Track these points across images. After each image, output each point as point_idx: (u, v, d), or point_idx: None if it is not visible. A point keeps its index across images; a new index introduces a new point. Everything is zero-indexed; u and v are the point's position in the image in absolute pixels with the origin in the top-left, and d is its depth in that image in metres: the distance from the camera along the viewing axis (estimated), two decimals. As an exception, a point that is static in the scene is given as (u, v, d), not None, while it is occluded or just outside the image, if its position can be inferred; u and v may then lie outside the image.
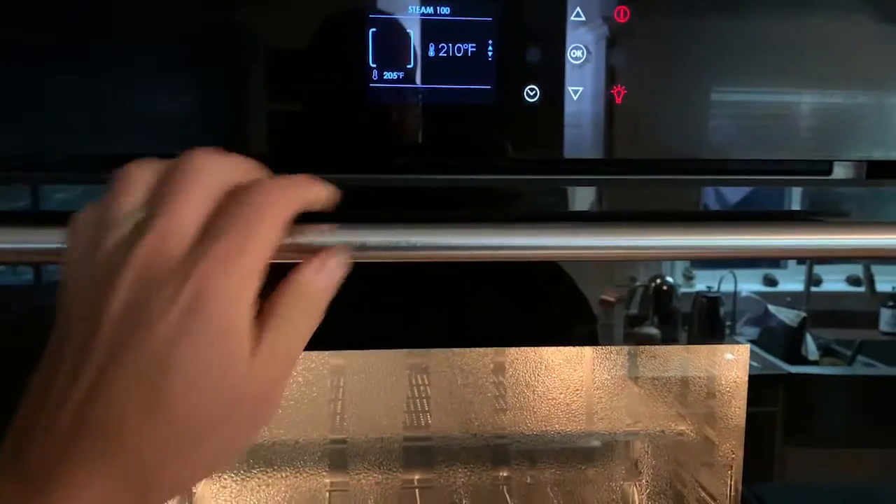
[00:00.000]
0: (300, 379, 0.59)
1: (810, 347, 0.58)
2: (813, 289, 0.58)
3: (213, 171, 0.32)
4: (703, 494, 0.64)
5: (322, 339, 0.51)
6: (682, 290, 0.56)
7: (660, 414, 0.64)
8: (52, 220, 0.42)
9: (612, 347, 0.61)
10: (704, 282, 0.57)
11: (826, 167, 0.57)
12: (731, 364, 0.60)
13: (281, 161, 0.49)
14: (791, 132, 0.53)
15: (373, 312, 0.53)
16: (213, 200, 0.32)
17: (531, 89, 0.49)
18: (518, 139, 0.51)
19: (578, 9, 0.49)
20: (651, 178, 0.53)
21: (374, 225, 0.45)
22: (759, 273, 0.60)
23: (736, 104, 0.52)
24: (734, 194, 0.56)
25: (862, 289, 0.59)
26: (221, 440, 0.31)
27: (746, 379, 0.56)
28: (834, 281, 0.59)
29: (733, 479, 0.61)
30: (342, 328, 0.54)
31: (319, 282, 0.33)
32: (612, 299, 0.55)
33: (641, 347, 0.62)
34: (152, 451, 0.29)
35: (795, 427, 0.58)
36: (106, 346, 0.29)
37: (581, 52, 0.49)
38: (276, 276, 0.33)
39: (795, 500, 0.60)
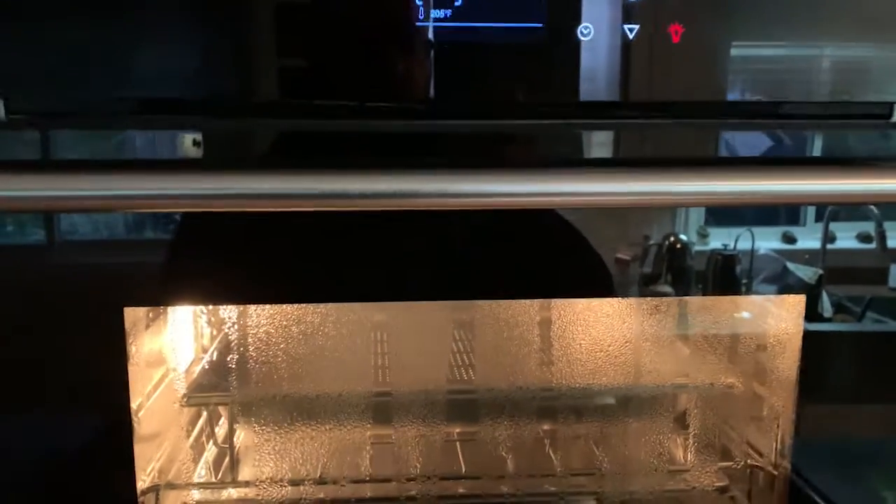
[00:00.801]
0: (344, 331, 0.58)
1: (825, 305, 0.58)
2: (828, 246, 0.57)
3: None
4: (749, 450, 0.63)
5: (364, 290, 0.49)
6: (697, 248, 0.55)
7: (709, 368, 0.63)
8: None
9: (661, 299, 0.59)
10: (719, 240, 0.56)
11: (887, 110, 0.54)
12: (784, 316, 0.58)
13: (326, 103, 0.48)
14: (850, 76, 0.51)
15: (386, 265, 0.52)
16: None
17: (584, 27, 0.47)
18: (571, 80, 0.49)
19: (634, -59, 0.47)
20: (714, 122, 0.51)
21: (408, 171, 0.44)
22: (778, 231, 0.59)
23: (799, 47, 0.50)
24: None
25: (873, 245, 0.58)
26: None
27: (801, 331, 0.55)
28: (845, 238, 0.58)
29: (780, 433, 0.60)
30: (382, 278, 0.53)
31: None
32: (627, 258, 0.54)
33: (691, 299, 0.61)
34: None
35: (815, 385, 0.57)
36: None
37: (635, -11, 0.47)
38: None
39: (812, 456, 0.60)
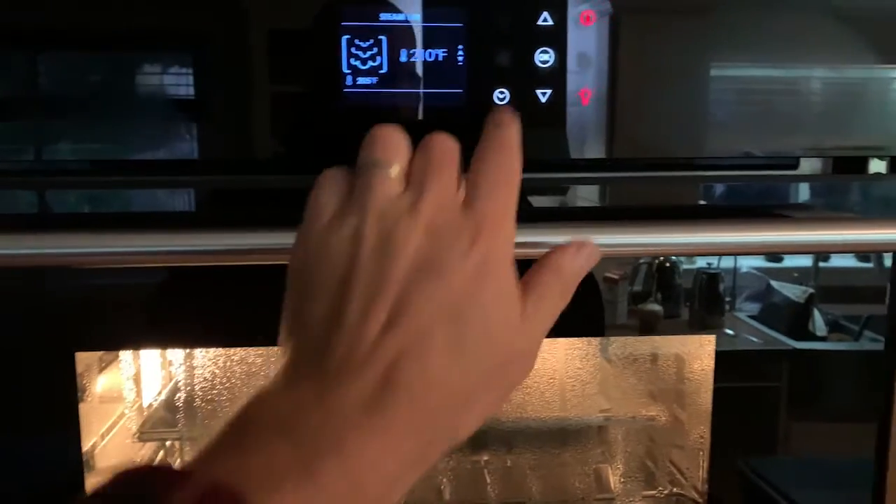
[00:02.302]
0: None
1: (818, 323, 0.59)
2: (822, 264, 0.59)
3: (454, 151, 0.36)
4: (673, 478, 0.67)
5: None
6: (685, 266, 0.58)
7: (632, 400, 0.67)
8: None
9: (586, 339, 0.63)
10: (707, 258, 0.58)
11: (793, 162, 0.59)
12: (699, 352, 0.62)
13: (257, 164, 0.53)
14: (758, 129, 0.55)
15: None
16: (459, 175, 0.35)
17: (500, 92, 0.51)
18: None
19: (546, 14, 0.51)
20: (620, 176, 0.55)
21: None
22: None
23: (701, 103, 0.53)
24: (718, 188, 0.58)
25: (870, 264, 0.59)
26: (492, 395, 0.34)
27: (713, 366, 0.59)
28: (843, 256, 0.59)
29: (705, 460, 0.63)
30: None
31: (575, 265, 0.37)
32: (616, 276, 0.56)
33: (612, 339, 0.65)
34: (442, 398, 0.31)
35: (802, 402, 0.60)
36: (402, 284, 0.31)
37: (548, 56, 0.51)
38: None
39: (798, 475, 0.62)
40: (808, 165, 0.59)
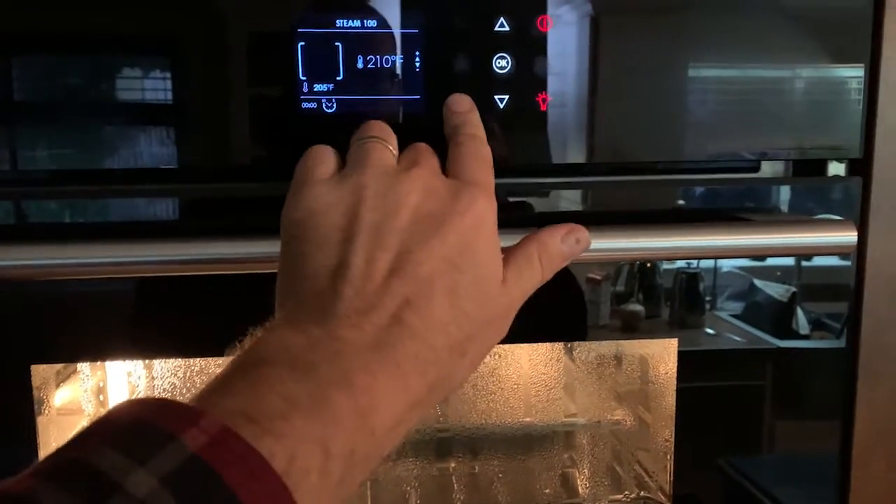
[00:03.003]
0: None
1: (801, 322, 0.59)
2: (804, 263, 0.59)
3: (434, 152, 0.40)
4: (641, 481, 0.67)
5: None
6: (665, 266, 0.58)
7: (597, 404, 0.67)
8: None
9: (551, 345, 0.63)
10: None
11: (754, 165, 0.59)
12: (662, 356, 0.62)
13: (216, 172, 0.52)
14: (717, 133, 0.55)
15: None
16: None
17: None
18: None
19: (503, 19, 0.51)
20: (578, 181, 0.55)
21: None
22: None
23: (662, 107, 0.54)
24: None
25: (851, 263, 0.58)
26: (478, 348, 0.36)
27: (675, 370, 0.59)
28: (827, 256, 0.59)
29: (671, 463, 0.63)
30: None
31: (563, 247, 0.39)
32: (598, 277, 0.57)
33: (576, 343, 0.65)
34: (443, 340, 0.33)
35: (785, 401, 0.60)
36: (404, 234, 0.34)
37: (506, 62, 0.51)
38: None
39: (781, 473, 0.62)
40: (769, 168, 0.59)
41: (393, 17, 0.50)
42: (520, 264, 0.38)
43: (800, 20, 0.53)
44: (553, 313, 0.56)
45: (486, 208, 0.36)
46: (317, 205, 0.35)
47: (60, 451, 0.25)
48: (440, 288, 0.33)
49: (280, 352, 0.30)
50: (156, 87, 0.50)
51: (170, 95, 0.49)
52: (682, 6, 0.52)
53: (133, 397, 0.27)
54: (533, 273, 0.38)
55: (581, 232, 0.40)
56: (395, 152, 0.39)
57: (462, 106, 0.43)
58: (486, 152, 0.40)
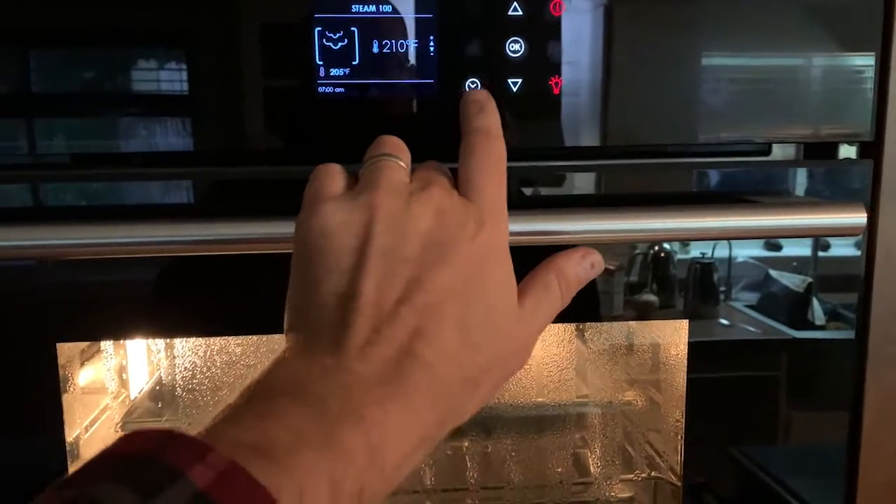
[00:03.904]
0: (265, 360, 0.63)
1: (817, 312, 0.59)
2: (821, 253, 0.59)
3: (446, 169, 0.39)
4: (652, 462, 0.68)
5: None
6: (679, 256, 0.58)
7: (608, 385, 0.68)
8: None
9: (561, 325, 0.64)
10: (701, 248, 0.58)
11: (765, 149, 0.59)
12: (673, 337, 0.63)
13: (234, 156, 0.53)
14: (729, 118, 0.55)
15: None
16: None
17: (472, 82, 0.52)
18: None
19: (515, 3, 0.51)
20: (594, 164, 0.56)
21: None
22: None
23: (673, 92, 0.54)
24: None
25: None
26: (492, 378, 0.35)
27: (686, 351, 0.59)
28: (842, 246, 0.59)
29: (682, 444, 0.64)
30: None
31: (579, 270, 0.39)
32: (612, 267, 0.57)
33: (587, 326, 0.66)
34: (454, 373, 0.32)
35: (796, 391, 0.61)
36: (416, 263, 0.33)
37: (519, 46, 0.52)
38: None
39: (793, 462, 0.62)
40: (780, 152, 0.60)
41: (407, 2, 0.51)
42: (538, 293, 0.37)
43: (812, 7, 0.54)
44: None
45: (497, 232, 0.36)
46: (328, 223, 0.34)
47: (69, 483, 0.25)
48: (450, 319, 0.33)
49: (291, 384, 0.30)
50: (172, 78, 0.51)
51: (186, 83, 0.51)
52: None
53: (148, 427, 0.27)
54: (552, 300, 0.37)
55: (595, 256, 0.40)
56: (408, 168, 0.38)
57: (478, 96, 0.42)
58: (498, 150, 0.38)
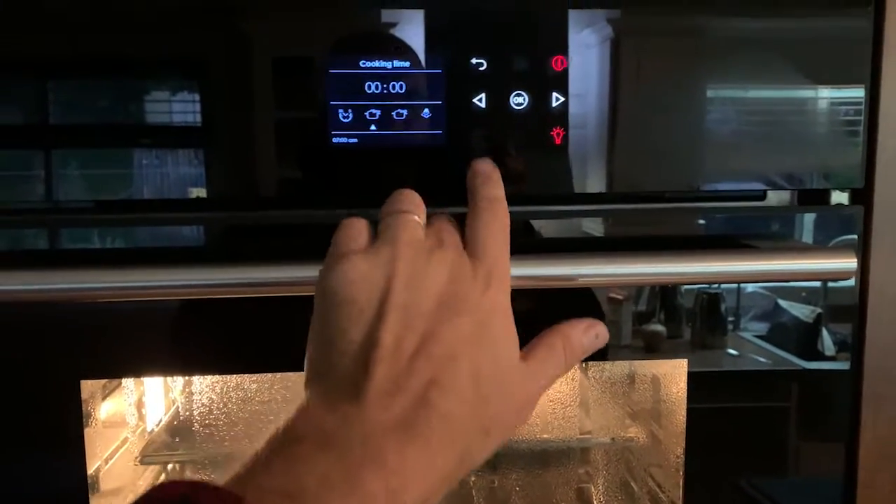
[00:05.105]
0: (278, 397, 0.65)
1: (827, 343, 0.60)
2: (830, 284, 0.60)
3: (456, 224, 0.42)
4: (658, 494, 0.69)
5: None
6: (686, 287, 0.60)
7: (611, 421, 0.69)
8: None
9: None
10: None
11: (760, 195, 0.62)
12: (673, 375, 0.64)
13: (254, 202, 0.56)
14: (726, 165, 0.58)
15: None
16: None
17: (478, 134, 0.55)
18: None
19: (518, 59, 0.54)
20: (591, 209, 0.58)
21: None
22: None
23: (671, 143, 0.56)
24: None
25: None
26: (501, 428, 0.37)
27: (685, 388, 0.61)
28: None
29: (683, 480, 0.65)
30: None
31: (584, 340, 0.41)
32: (620, 297, 0.59)
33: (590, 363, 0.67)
34: (469, 419, 0.35)
35: (810, 422, 0.62)
36: (431, 317, 0.36)
37: (522, 99, 0.54)
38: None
39: (807, 496, 0.63)
40: (775, 196, 0.62)
41: (418, 58, 0.54)
42: (543, 353, 0.40)
43: (800, 57, 0.56)
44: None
45: (501, 292, 0.39)
46: (352, 277, 0.37)
47: None
48: (463, 369, 0.35)
49: (315, 432, 0.32)
50: (188, 120, 0.54)
51: (204, 133, 0.54)
52: (695, 41, 0.55)
53: (177, 478, 0.29)
54: (557, 361, 0.40)
55: (600, 327, 0.42)
56: (424, 221, 0.41)
57: (483, 167, 0.45)
58: (502, 215, 0.42)
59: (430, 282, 0.37)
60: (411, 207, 0.40)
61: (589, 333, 0.42)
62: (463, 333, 0.36)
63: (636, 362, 0.69)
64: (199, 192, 0.54)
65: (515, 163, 0.55)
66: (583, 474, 0.72)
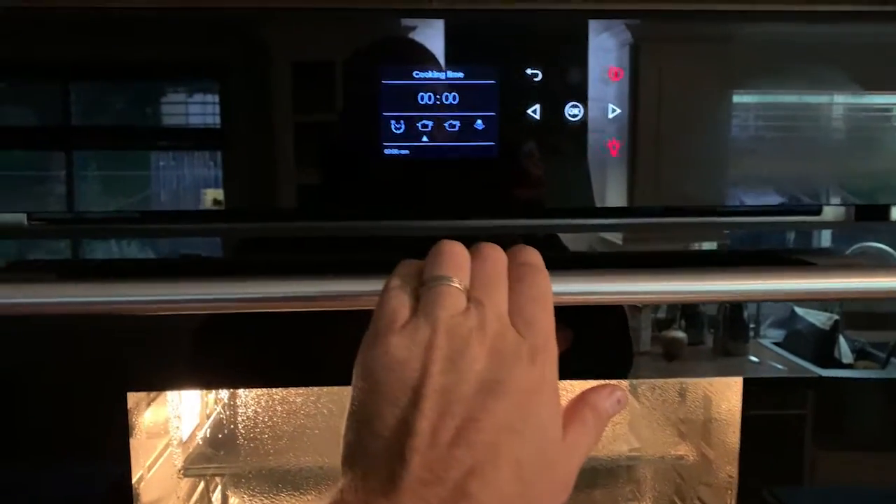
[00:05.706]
0: (325, 411, 0.64)
1: (844, 350, 0.59)
2: None
3: (503, 262, 0.40)
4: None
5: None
6: None
7: (660, 439, 0.68)
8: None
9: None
10: None
11: (816, 209, 0.60)
12: (724, 393, 0.63)
13: (309, 217, 0.55)
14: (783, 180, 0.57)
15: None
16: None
17: (531, 145, 0.54)
18: (524, 190, 0.55)
19: (574, 71, 0.53)
20: (644, 223, 0.57)
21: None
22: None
23: (727, 153, 0.55)
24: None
25: None
26: None
27: (740, 406, 0.60)
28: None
29: (733, 499, 0.64)
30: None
31: (608, 406, 0.40)
32: (640, 305, 0.57)
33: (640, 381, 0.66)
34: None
35: (828, 430, 0.60)
36: (470, 402, 0.34)
37: (578, 111, 0.54)
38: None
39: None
40: (831, 211, 0.61)
41: (471, 69, 0.53)
42: (578, 428, 0.38)
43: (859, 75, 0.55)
44: (601, 354, 0.58)
45: (548, 367, 0.37)
46: (391, 358, 0.35)
47: None
48: (505, 456, 0.33)
49: None
50: (240, 132, 0.53)
51: (254, 143, 0.53)
52: (745, 49, 0.54)
53: None
54: (590, 434, 0.39)
55: (621, 391, 0.41)
56: (466, 283, 0.38)
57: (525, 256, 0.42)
58: (545, 282, 0.40)
59: (470, 362, 0.35)
60: (453, 271, 0.38)
61: (612, 399, 0.41)
62: (505, 418, 0.34)
63: (687, 380, 0.68)
64: (250, 205, 0.54)
65: (568, 174, 0.54)
66: (629, 493, 0.70)
